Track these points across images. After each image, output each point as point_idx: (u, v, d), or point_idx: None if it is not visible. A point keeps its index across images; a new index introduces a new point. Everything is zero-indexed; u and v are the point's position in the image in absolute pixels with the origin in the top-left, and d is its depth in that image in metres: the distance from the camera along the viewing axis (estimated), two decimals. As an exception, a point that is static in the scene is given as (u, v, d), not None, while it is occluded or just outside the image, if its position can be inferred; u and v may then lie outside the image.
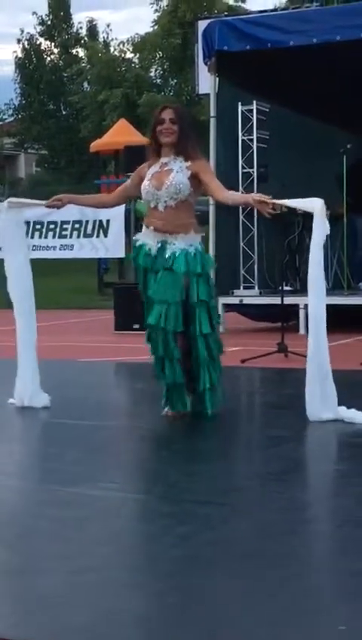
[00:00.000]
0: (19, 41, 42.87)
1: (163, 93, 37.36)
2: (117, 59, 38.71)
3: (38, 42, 43.16)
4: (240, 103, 12.21)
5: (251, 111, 12.16)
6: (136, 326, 9.98)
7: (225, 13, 25.95)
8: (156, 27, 36.92)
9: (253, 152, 12.16)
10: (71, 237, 15.54)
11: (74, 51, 43.13)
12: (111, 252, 15.46)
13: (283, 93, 12.33)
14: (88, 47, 40.65)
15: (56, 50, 43.32)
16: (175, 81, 38.26)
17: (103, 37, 42.59)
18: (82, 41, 43.16)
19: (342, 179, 12.00)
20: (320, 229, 5.33)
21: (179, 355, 5.44)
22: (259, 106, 12.20)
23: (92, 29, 43.46)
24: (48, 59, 43.36)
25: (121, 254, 15.26)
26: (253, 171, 12.14)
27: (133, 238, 5.75)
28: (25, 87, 42.57)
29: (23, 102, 43.06)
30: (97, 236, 15.27)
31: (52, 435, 5.36)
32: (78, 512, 3.65)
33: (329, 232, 5.40)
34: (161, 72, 39.25)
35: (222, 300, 11.89)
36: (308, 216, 5.43)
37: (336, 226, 13.14)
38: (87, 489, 3.98)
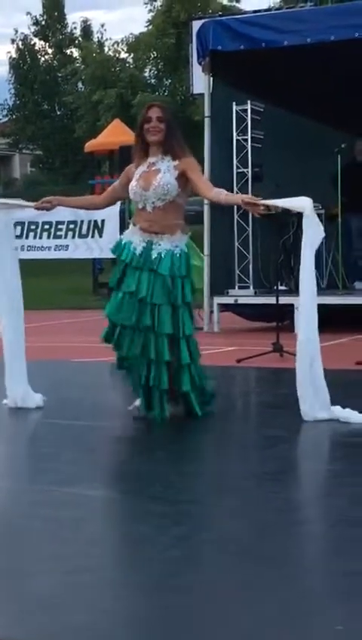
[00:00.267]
0: (13, 41, 42.91)
1: (157, 93, 37.36)
2: (111, 59, 38.73)
3: (32, 42, 43.18)
4: (234, 103, 12.21)
5: (245, 111, 12.16)
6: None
7: (220, 13, 25.92)
8: (150, 27, 36.92)
9: (247, 151, 12.16)
10: (66, 237, 15.55)
11: (68, 51, 43.14)
12: (105, 252, 15.40)
13: (278, 92, 12.33)
14: (82, 48, 40.67)
15: (50, 51, 43.33)
16: (169, 81, 38.27)
17: (97, 37, 42.65)
18: (76, 42, 43.16)
19: (337, 178, 12.01)
20: (311, 228, 5.32)
21: (169, 358, 5.41)
22: (253, 105, 12.20)
23: (86, 29, 43.50)
24: (42, 59, 43.37)
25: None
26: (247, 171, 12.14)
27: (120, 236, 5.72)
28: (19, 87, 42.57)
29: (17, 102, 43.04)
30: (92, 236, 15.28)
31: (46, 436, 5.36)
32: (74, 512, 3.65)
33: (324, 235, 5.39)
34: (156, 72, 39.26)
35: (217, 300, 11.91)
36: (303, 216, 5.42)
37: (331, 225, 13.18)
38: (82, 489, 3.98)
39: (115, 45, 39.89)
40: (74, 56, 42.57)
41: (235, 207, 10.95)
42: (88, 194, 17.22)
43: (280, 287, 9.14)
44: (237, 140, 12.21)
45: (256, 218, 11.63)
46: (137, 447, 5.05)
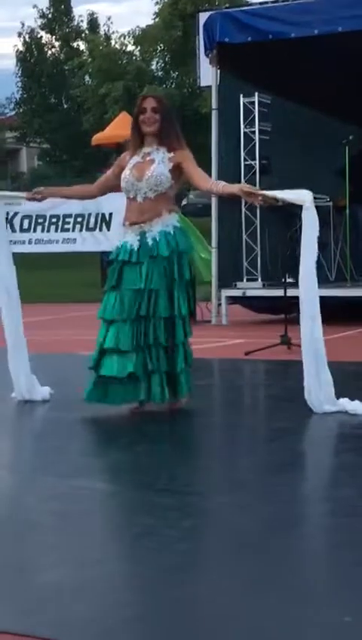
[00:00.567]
0: (20, 34, 42.85)
1: (164, 85, 37.34)
2: (118, 52, 38.67)
3: (39, 36, 43.12)
4: (241, 95, 12.20)
5: (253, 103, 12.15)
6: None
7: (227, 4, 25.86)
8: (157, 19, 36.84)
9: (254, 144, 12.16)
10: (73, 230, 15.51)
11: (75, 44, 43.08)
12: (114, 245, 15.40)
13: (285, 84, 12.32)
14: (89, 41, 40.60)
15: (57, 44, 43.27)
16: (176, 73, 38.20)
17: (104, 30, 42.57)
18: (83, 35, 43.10)
19: (344, 170, 12.00)
20: (311, 220, 5.30)
21: (166, 342, 5.41)
22: (260, 98, 12.19)
23: (93, 22, 43.43)
24: (49, 52, 43.31)
25: (124, 247, 15.25)
26: (254, 163, 12.14)
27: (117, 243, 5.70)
28: (26, 80, 42.53)
29: (25, 95, 43.01)
30: (100, 230, 15.25)
31: (54, 429, 5.36)
32: (81, 505, 3.65)
33: (318, 230, 5.36)
34: (163, 65, 39.19)
35: (225, 293, 11.91)
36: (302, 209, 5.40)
37: (339, 217, 13.18)
38: (89, 482, 3.98)
39: (122, 38, 39.85)
40: (81, 49, 42.51)
41: (242, 200, 10.94)
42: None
43: (288, 280, 9.12)
44: (244, 132, 12.21)
45: (264, 211, 11.73)
46: (144, 440, 5.05)
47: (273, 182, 10.89)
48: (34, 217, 15.35)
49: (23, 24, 44.38)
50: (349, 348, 8.76)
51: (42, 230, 15.68)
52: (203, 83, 17.74)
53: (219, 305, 11.92)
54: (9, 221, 14.37)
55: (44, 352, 8.81)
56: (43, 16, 43.18)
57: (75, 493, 3.83)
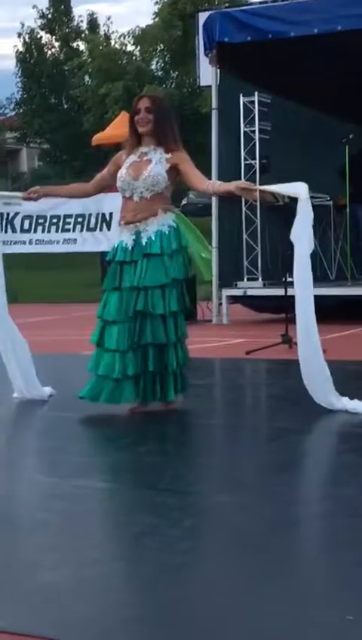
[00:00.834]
0: (19, 35, 42.89)
1: (164, 85, 37.36)
2: (118, 52, 38.68)
3: (38, 36, 43.14)
4: (241, 95, 12.21)
5: (253, 102, 12.16)
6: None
7: (226, 4, 25.89)
8: (157, 19, 36.86)
9: (254, 143, 12.17)
10: (74, 231, 15.49)
11: (74, 45, 43.09)
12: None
13: (285, 84, 12.33)
14: (89, 41, 40.61)
15: (56, 44, 43.28)
16: (176, 73, 38.22)
17: (104, 30, 42.58)
18: (83, 35, 43.12)
19: (344, 169, 12.00)
20: (305, 213, 5.28)
21: (164, 341, 5.41)
22: (260, 97, 12.20)
23: (92, 22, 43.45)
24: (49, 52, 43.31)
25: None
26: (254, 163, 12.15)
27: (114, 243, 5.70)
28: (26, 81, 42.53)
29: (25, 96, 43.01)
30: (100, 230, 15.23)
31: (56, 429, 5.36)
32: (83, 505, 3.65)
33: (312, 222, 5.34)
34: (162, 65, 39.22)
35: (226, 292, 11.92)
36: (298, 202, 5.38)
37: (339, 216, 13.19)
38: (92, 482, 3.98)
39: (122, 38, 39.88)
40: (80, 49, 42.52)
41: (243, 199, 10.94)
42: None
43: (289, 279, 9.11)
44: (244, 131, 12.22)
45: (264, 210, 11.73)
46: (145, 440, 5.05)
47: (273, 181, 10.88)
48: (34, 218, 15.34)
49: (22, 24, 44.46)
50: (350, 347, 8.76)
51: (43, 231, 15.67)
52: (203, 83, 17.74)
53: (220, 304, 11.92)
54: (10, 221, 14.39)
55: (45, 352, 8.81)
56: (43, 16, 43.21)
57: (76, 492, 3.83)
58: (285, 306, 8.88)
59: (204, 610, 2.54)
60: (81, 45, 42.76)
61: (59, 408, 5.86)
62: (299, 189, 5.30)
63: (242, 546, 3.10)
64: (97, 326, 5.57)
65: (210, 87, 12.80)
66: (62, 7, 43.34)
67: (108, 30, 42.58)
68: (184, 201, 27.69)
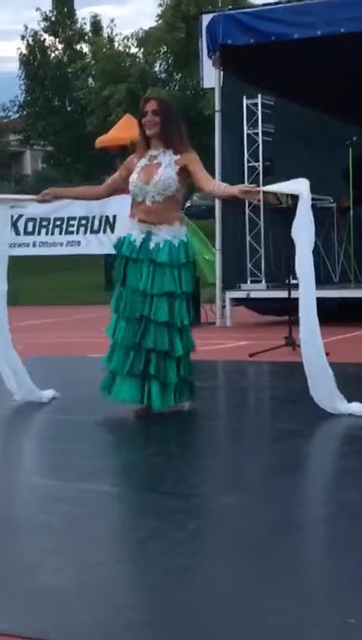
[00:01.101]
0: (23, 37, 42.84)
1: (168, 87, 37.33)
2: (121, 54, 38.67)
3: (42, 38, 43.13)
4: (245, 97, 12.21)
5: (256, 105, 12.16)
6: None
7: (229, 6, 25.85)
8: (160, 21, 36.85)
9: (258, 145, 12.17)
10: (77, 233, 15.49)
11: (78, 47, 43.09)
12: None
13: (288, 86, 12.33)
14: (92, 43, 40.61)
15: (60, 46, 43.27)
16: (180, 75, 38.20)
17: (107, 32, 42.54)
18: (86, 37, 43.12)
19: (348, 171, 12.00)
20: (306, 211, 5.26)
21: (168, 348, 5.42)
22: (263, 99, 12.20)
23: (96, 24, 43.42)
24: (52, 55, 43.32)
25: (128, 250, 15.27)
26: (258, 165, 12.15)
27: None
28: (29, 83, 42.53)
29: (28, 98, 43.01)
30: (104, 232, 15.23)
31: (60, 432, 5.36)
32: (87, 508, 3.66)
33: (312, 219, 5.32)
34: (166, 67, 39.19)
35: (229, 294, 11.91)
36: (313, 209, 5.38)
37: (343, 218, 13.18)
38: (96, 485, 3.99)
39: (125, 40, 39.85)
40: (84, 51, 42.52)
41: (246, 201, 10.95)
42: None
43: (292, 281, 9.11)
44: (247, 133, 12.22)
45: (267, 212, 11.73)
46: (149, 442, 5.06)
47: (276, 183, 10.89)
48: (38, 220, 15.35)
49: (26, 27, 44.18)
50: (352, 349, 8.76)
51: (46, 233, 15.67)
52: (206, 85, 17.72)
53: (224, 307, 11.91)
54: (13, 224, 14.37)
55: (48, 354, 8.83)
56: (46, 18, 43.20)
57: (80, 496, 3.83)
58: (288, 308, 8.89)
59: (208, 613, 2.54)
60: (85, 47, 42.76)
61: (63, 411, 5.86)
62: (300, 186, 5.30)
63: (245, 548, 3.10)
64: (112, 318, 5.59)
65: (213, 89, 12.79)
66: (66, 9, 43.34)
67: (111, 32, 42.52)
68: (188, 204, 27.70)
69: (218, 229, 11.97)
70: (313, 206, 5.41)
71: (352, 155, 12.07)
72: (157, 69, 39.14)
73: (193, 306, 5.72)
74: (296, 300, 5.43)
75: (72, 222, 15.46)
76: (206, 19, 12.80)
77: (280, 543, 3.14)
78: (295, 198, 5.37)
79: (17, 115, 44.43)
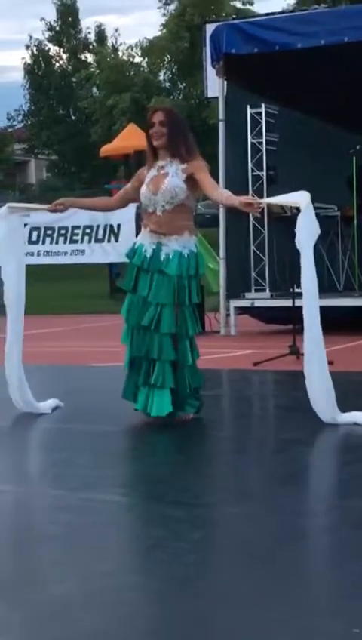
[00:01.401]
0: (27, 47, 43.03)
1: (172, 96, 37.44)
2: (125, 63, 38.78)
3: (46, 48, 43.27)
4: (248, 106, 12.22)
5: (260, 114, 12.18)
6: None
7: (233, 16, 25.95)
8: (164, 31, 36.96)
9: (262, 154, 12.17)
10: (82, 242, 15.54)
11: (82, 56, 43.21)
12: (122, 257, 15.40)
13: (292, 95, 12.34)
14: (96, 52, 40.73)
15: (64, 56, 43.40)
16: (184, 84, 38.29)
17: (111, 42, 42.70)
18: (90, 46, 43.24)
19: (352, 180, 12.00)
20: (307, 224, 5.27)
21: (174, 357, 5.46)
22: (267, 108, 12.21)
23: (100, 33, 43.58)
24: (57, 64, 43.43)
25: (132, 259, 15.30)
26: (262, 174, 12.16)
27: (134, 240, 5.77)
28: (34, 93, 42.64)
29: (32, 108, 43.12)
30: (108, 241, 15.28)
31: (63, 441, 5.36)
32: (90, 517, 3.66)
33: (319, 232, 5.33)
34: (170, 76, 39.30)
35: (234, 303, 11.91)
36: (317, 218, 5.39)
37: (347, 227, 13.19)
38: (99, 494, 3.99)
39: (129, 49, 39.99)
40: (88, 61, 42.64)
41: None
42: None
43: (297, 290, 9.12)
44: (251, 142, 12.23)
45: (272, 221, 11.74)
46: (153, 452, 5.06)
47: (281, 192, 10.90)
48: (42, 229, 15.40)
49: (30, 37, 44.48)
50: (357, 358, 8.76)
51: (51, 242, 15.72)
52: (210, 94, 17.80)
53: (228, 315, 11.91)
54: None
55: (52, 363, 8.84)
56: (51, 28, 43.37)
57: (84, 505, 3.83)
58: (293, 317, 8.89)
59: (212, 623, 2.54)
60: (89, 57, 42.90)
61: (66, 420, 5.87)
62: (299, 199, 5.31)
63: (249, 558, 3.10)
64: (124, 327, 5.66)
65: (217, 98, 12.82)
66: (70, 19, 43.50)
67: (115, 42, 42.71)
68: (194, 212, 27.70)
69: (222, 238, 11.97)
70: (317, 215, 5.42)
71: (356, 163, 12.08)
72: (161, 78, 39.27)
73: (198, 316, 5.74)
74: (300, 308, 5.42)
75: (76, 231, 15.51)
76: (210, 28, 12.87)
77: (283, 553, 3.14)
78: (299, 208, 5.37)
79: (22, 125, 44.53)
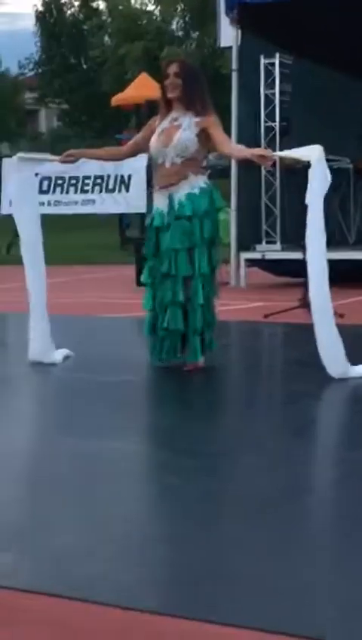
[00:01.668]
0: (38, -7, 42.47)
1: (184, 46, 37.00)
2: (137, 11, 38.33)
3: (58, -5, 42.74)
4: (262, 56, 12.08)
5: (273, 64, 12.05)
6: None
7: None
8: (177, -22, 36.46)
9: (275, 105, 12.06)
10: (93, 192, 15.46)
11: (94, 4, 42.70)
12: (132, 207, 15.40)
13: (307, 45, 12.18)
14: (108, 0, 40.24)
15: (76, 3, 42.88)
16: (197, 33, 37.83)
17: (124, -12, 42.11)
18: (102, -7, 42.69)
19: (365, 133, 11.90)
20: (319, 177, 5.24)
21: (182, 300, 5.48)
22: (281, 58, 12.07)
23: (112, -20, 42.97)
24: (68, 12, 42.94)
25: (143, 209, 15.20)
26: (275, 125, 12.06)
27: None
28: (45, 40, 42.22)
29: (44, 56, 42.73)
30: (119, 191, 15.19)
31: (73, 391, 5.38)
32: (103, 465, 3.68)
33: (330, 181, 5.30)
34: (183, 25, 38.80)
35: (244, 255, 11.89)
36: (330, 171, 5.36)
37: (360, 180, 13.08)
38: (111, 442, 4.01)
39: (142, -3, 39.45)
40: (100, 8, 42.15)
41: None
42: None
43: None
44: (265, 93, 12.11)
45: (284, 173, 11.66)
46: (164, 401, 5.09)
47: (293, 143, 10.83)
48: (53, 179, 15.32)
49: (42, -17, 43.87)
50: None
51: (61, 192, 15.65)
52: (223, 44, 17.55)
53: (238, 268, 11.89)
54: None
55: (65, 313, 8.85)
56: (62, -25, 42.79)
57: (97, 453, 3.86)
58: (303, 270, 8.86)
59: (222, 568, 2.57)
60: (101, 4, 42.39)
61: (78, 370, 5.89)
62: (311, 152, 5.28)
63: (259, 507, 3.12)
64: (146, 293, 5.73)
65: (230, 48, 12.67)
66: (82, -35, 42.89)
67: (128, -11, 42.14)
68: (203, 163, 27.55)
69: (233, 189, 11.91)
70: (329, 167, 5.38)
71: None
72: (174, 26, 38.75)
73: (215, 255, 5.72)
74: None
75: (87, 181, 15.42)
76: (224, -24, 12.63)
77: (293, 503, 3.17)
78: (310, 162, 5.34)
79: (33, 73, 44.17)
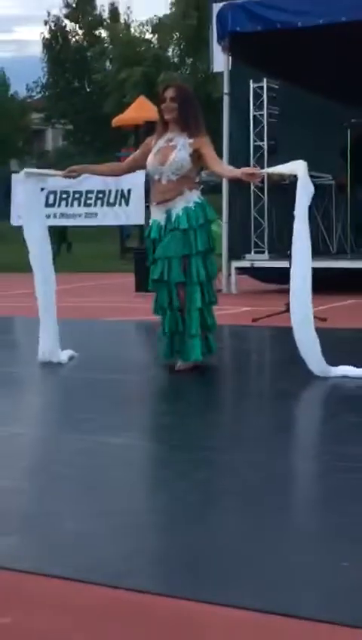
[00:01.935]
0: (46, 22, 42.60)
1: (180, 71, 37.09)
2: (137, 39, 38.40)
3: (63, 24, 42.84)
4: (251, 81, 12.12)
5: (262, 88, 12.08)
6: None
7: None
8: (173, 9, 36.54)
9: (263, 126, 12.09)
10: (95, 205, 15.48)
11: (97, 32, 42.79)
12: (131, 219, 15.42)
13: (292, 71, 12.22)
14: (110, 29, 40.32)
15: (80, 32, 42.98)
16: (191, 59, 37.91)
17: (124, 19, 42.24)
18: (104, 23, 42.81)
19: (346, 151, 11.93)
20: (304, 190, 5.27)
21: (178, 304, 5.49)
22: (269, 83, 12.11)
23: (113, 11, 43.10)
24: (73, 40, 43.04)
25: (141, 221, 15.23)
26: (263, 144, 12.08)
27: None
28: (52, 66, 42.33)
29: (50, 80, 42.84)
30: (119, 205, 15.21)
31: (77, 389, 5.38)
32: (103, 459, 3.67)
33: (313, 192, 5.31)
34: (178, 52, 38.89)
35: (235, 264, 11.92)
36: (314, 186, 5.37)
37: (341, 195, 13.12)
38: (111, 438, 4.00)
39: (141, 26, 39.56)
40: (102, 36, 42.23)
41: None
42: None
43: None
44: (254, 115, 12.15)
45: (272, 188, 11.68)
46: (161, 399, 5.09)
47: (281, 161, 10.83)
48: (58, 193, 15.33)
49: (49, 13, 44.04)
50: (347, 316, 8.77)
51: (66, 205, 15.66)
52: (215, 69, 17.58)
53: (229, 275, 11.94)
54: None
55: (67, 317, 8.84)
56: (68, 5, 42.91)
57: (97, 448, 3.84)
58: (289, 277, 8.86)
59: (212, 554, 2.56)
60: (103, 33, 42.45)
61: (81, 369, 5.88)
62: (296, 167, 5.32)
63: (248, 497, 3.11)
64: (153, 300, 5.74)
65: (222, 73, 12.70)
66: (86, -3, 42.96)
67: (128, 19, 42.23)
68: (196, 179, 27.56)
69: (225, 204, 11.95)
70: (313, 183, 5.40)
71: (351, 136, 12.00)
72: (170, 53, 38.85)
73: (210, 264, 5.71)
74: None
75: (89, 195, 15.44)
76: (216, 7, 12.69)
77: (279, 494, 3.16)
78: (296, 176, 5.36)
79: (40, 95, 44.28)
